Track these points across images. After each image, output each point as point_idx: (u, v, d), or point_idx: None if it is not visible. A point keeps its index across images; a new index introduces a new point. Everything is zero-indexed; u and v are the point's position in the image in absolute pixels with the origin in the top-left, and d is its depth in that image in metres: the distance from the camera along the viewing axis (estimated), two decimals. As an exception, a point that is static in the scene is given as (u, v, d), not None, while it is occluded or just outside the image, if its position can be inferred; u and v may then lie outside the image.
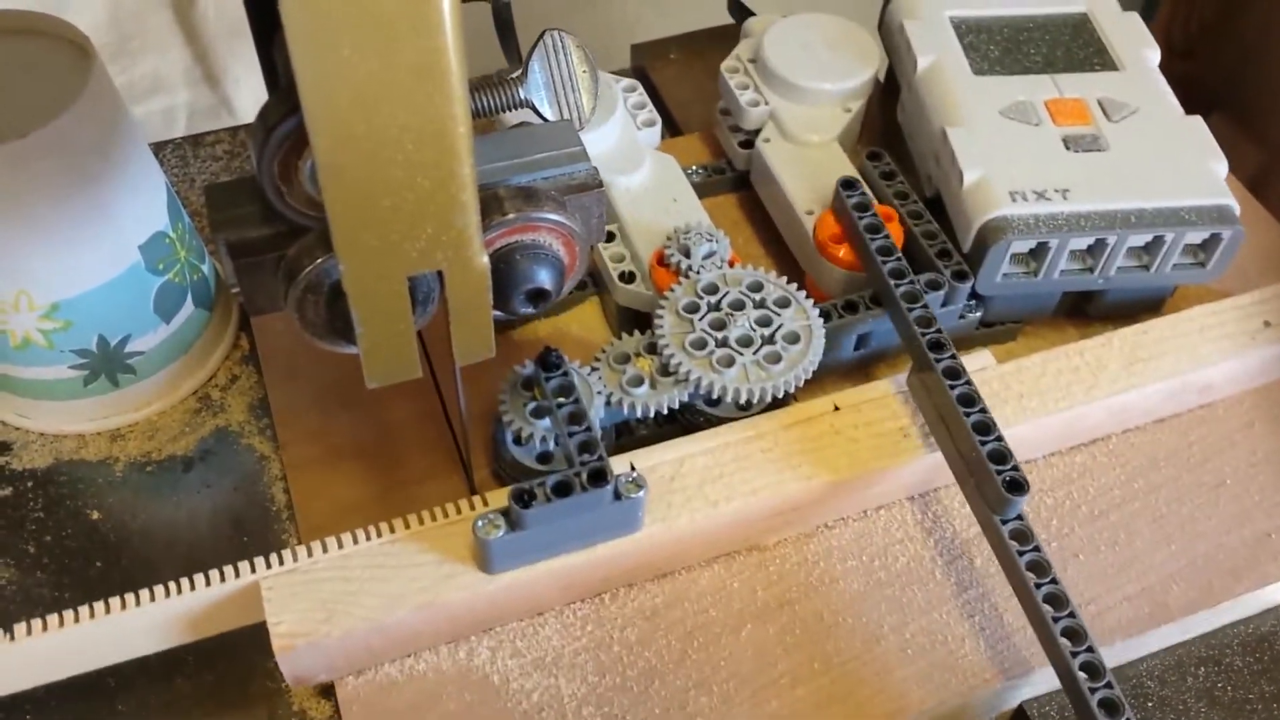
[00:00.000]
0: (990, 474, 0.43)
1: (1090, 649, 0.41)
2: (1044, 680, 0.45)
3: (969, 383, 0.46)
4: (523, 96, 0.43)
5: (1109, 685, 0.40)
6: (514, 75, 0.43)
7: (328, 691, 0.45)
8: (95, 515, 0.50)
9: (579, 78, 0.44)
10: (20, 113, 0.44)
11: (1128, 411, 0.51)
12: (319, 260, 0.38)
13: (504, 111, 0.43)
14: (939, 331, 0.47)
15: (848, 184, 0.53)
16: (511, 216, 0.40)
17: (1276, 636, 0.47)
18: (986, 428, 0.44)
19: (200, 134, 0.67)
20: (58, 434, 0.53)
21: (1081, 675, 0.41)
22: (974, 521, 0.48)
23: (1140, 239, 0.51)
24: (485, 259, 0.37)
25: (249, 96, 0.84)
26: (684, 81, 0.71)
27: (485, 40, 0.66)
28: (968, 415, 0.45)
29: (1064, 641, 0.41)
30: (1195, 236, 0.51)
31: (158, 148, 0.64)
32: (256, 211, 0.39)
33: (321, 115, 0.31)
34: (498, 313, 0.41)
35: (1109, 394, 0.49)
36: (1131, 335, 0.51)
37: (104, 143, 0.46)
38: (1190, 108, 0.54)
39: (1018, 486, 0.43)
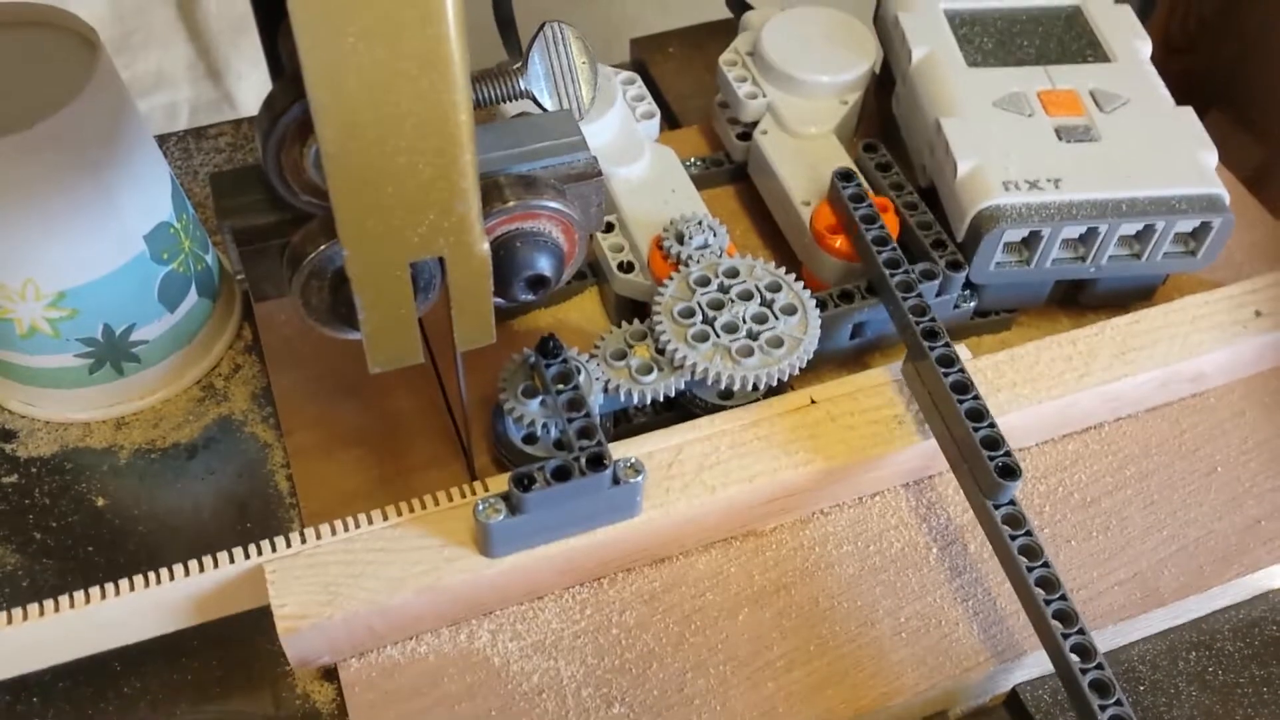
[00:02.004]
0: (983, 459, 0.44)
1: (1081, 631, 0.42)
2: (1037, 663, 0.46)
3: (962, 370, 0.46)
4: (523, 87, 0.43)
5: (1100, 667, 0.41)
6: (514, 66, 0.44)
7: (330, 675, 0.45)
8: (100, 502, 0.51)
9: (578, 69, 0.44)
10: (27, 104, 0.44)
11: (1120, 400, 0.52)
12: (323, 247, 0.39)
13: (504, 102, 0.43)
14: (933, 320, 0.48)
15: (844, 175, 0.53)
16: (512, 204, 0.40)
17: (1267, 622, 0.48)
18: (979, 414, 0.45)
19: (203, 126, 0.67)
20: (63, 422, 0.53)
21: (1073, 657, 0.41)
22: (968, 508, 0.49)
23: (1131, 227, 0.51)
24: (486, 246, 0.38)
25: (251, 91, 0.85)
26: (683, 75, 0.71)
27: (486, 34, 0.67)
28: (961, 402, 0.45)
29: (1055, 624, 0.42)
30: (1186, 225, 0.52)
31: (161, 140, 0.65)
32: (261, 199, 0.40)
33: (326, 102, 0.32)
34: (498, 300, 0.42)
35: (1101, 382, 0.50)
36: (1123, 324, 0.52)
37: (109, 134, 0.47)
38: (1189, 104, 0.55)
39: (1010, 471, 0.44)
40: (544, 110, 0.44)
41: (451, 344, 0.41)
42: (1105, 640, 0.47)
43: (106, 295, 0.49)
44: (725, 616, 0.46)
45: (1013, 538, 0.44)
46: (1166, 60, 0.58)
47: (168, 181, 0.51)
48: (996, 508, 0.44)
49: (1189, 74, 0.61)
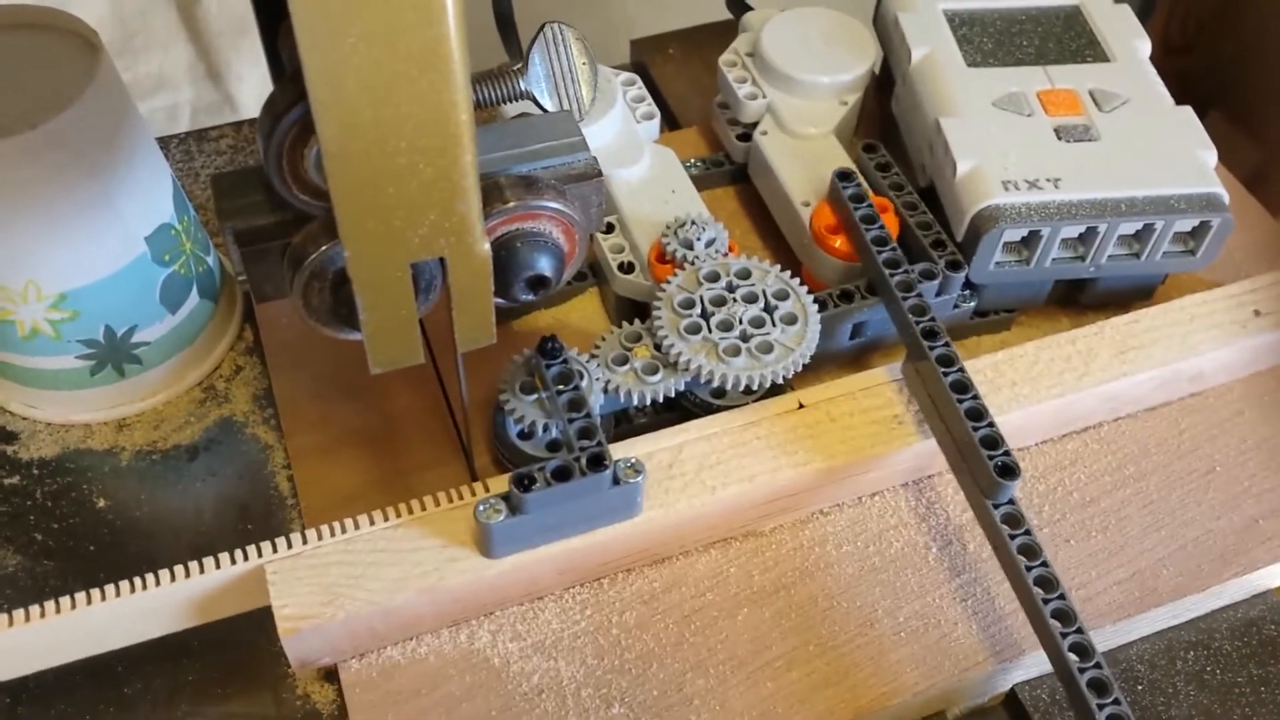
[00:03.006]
0: (982, 458, 0.44)
1: (1080, 630, 0.42)
2: (1035, 663, 0.46)
3: (962, 370, 0.46)
4: (523, 88, 0.43)
5: (1098, 666, 0.41)
6: (515, 67, 0.44)
7: (331, 676, 0.45)
8: (101, 503, 0.51)
9: (578, 69, 0.44)
10: (28, 105, 0.44)
11: (1119, 399, 0.52)
12: (324, 247, 0.39)
13: (505, 103, 0.43)
14: (933, 320, 0.48)
15: (844, 175, 0.53)
16: (512, 204, 0.41)
17: (1265, 621, 0.48)
18: (979, 414, 0.45)
19: (204, 129, 0.68)
20: (64, 423, 0.53)
21: (1071, 656, 0.41)
22: (967, 508, 0.49)
23: (1131, 227, 0.51)
24: (487, 246, 0.38)
25: (252, 93, 0.85)
26: (683, 76, 0.71)
27: (486, 34, 0.67)
28: (960, 401, 0.45)
29: (1054, 623, 0.42)
30: (1185, 224, 0.52)
31: (163, 142, 0.65)
32: (263, 200, 0.40)
33: (327, 103, 0.32)
34: (499, 300, 0.42)
35: (1100, 382, 0.50)
36: (1122, 324, 0.52)
37: (111, 135, 0.47)
38: (1188, 104, 0.55)
39: (1009, 471, 0.44)
40: (544, 111, 0.44)
41: (452, 344, 0.41)
42: (1104, 640, 0.47)
43: (108, 297, 0.49)
44: (725, 617, 0.46)
45: (1012, 537, 0.44)
46: (1165, 61, 0.58)
47: (169, 183, 0.51)
48: (996, 507, 0.44)
49: (1187, 75, 0.61)
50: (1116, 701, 0.40)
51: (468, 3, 0.32)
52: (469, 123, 0.34)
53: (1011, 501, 0.45)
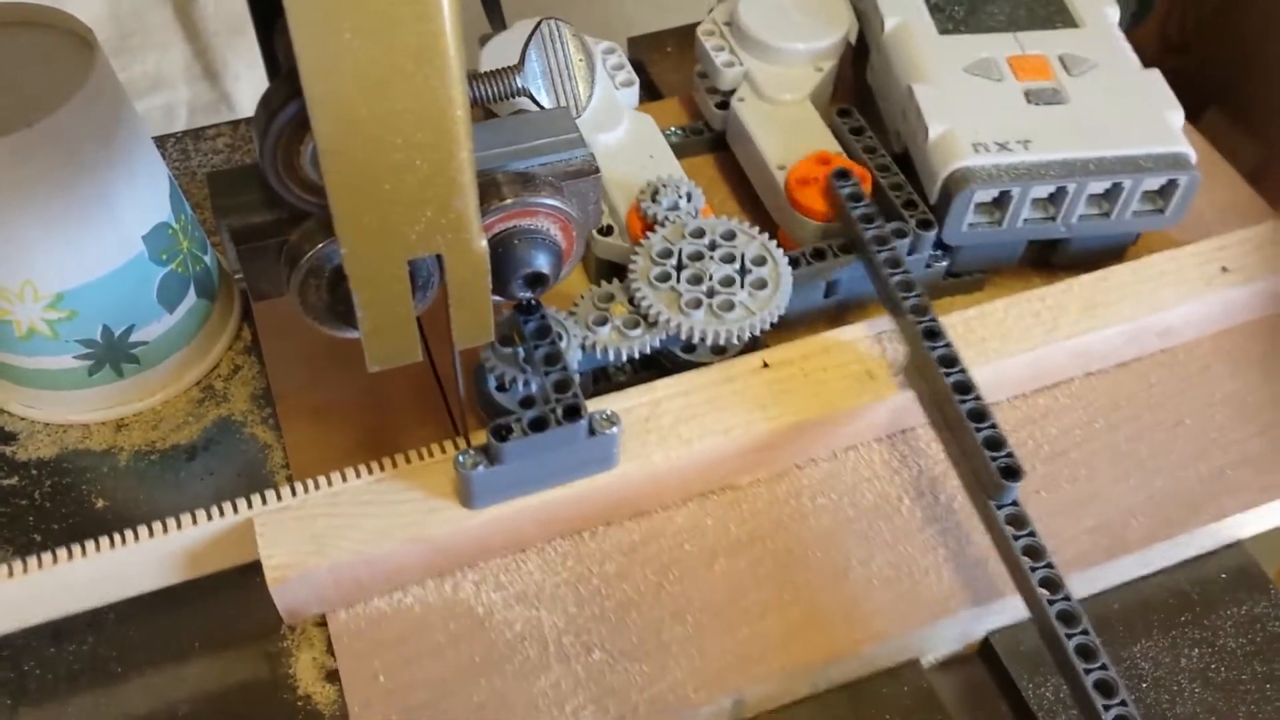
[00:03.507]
0: (985, 460, 0.44)
1: (1085, 632, 0.41)
2: (1009, 609, 0.47)
3: (934, 319, 0.48)
4: (520, 85, 0.43)
5: (1104, 668, 0.40)
6: (512, 65, 0.44)
7: (332, 676, 0.46)
8: (100, 504, 0.51)
9: (575, 66, 0.44)
10: (24, 104, 0.44)
11: (1089, 355, 0.53)
12: (320, 245, 0.39)
13: (502, 100, 0.43)
14: (907, 273, 0.49)
15: (843, 113, 0.55)
16: (509, 201, 0.41)
17: (1269, 618, 0.48)
18: (981, 415, 0.46)
19: (201, 128, 0.68)
20: (63, 424, 0.53)
21: (1077, 659, 0.41)
22: (940, 461, 0.50)
23: (1100, 186, 0.52)
24: (484, 243, 0.38)
25: (248, 92, 0.85)
26: (680, 74, 0.71)
27: (474, 26, 0.67)
28: (963, 403, 0.46)
29: (1059, 625, 0.42)
30: (1153, 183, 0.53)
31: (159, 141, 0.65)
32: (259, 198, 0.40)
33: (323, 99, 0.32)
34: (496, 297, 0.42)
35: (1069, 336, 0.51)
36: (1091, 281, 0.53)
37: (107, 133, 0.47)
38: (1187, 104, 0.55)
39: (1012, 472, 0.44)
40: (541, 108, 0.44)
41: (449, 341, 0.42)
42: (1077, 588, 0.47)
43: (105, 296, 0.49)
44: (702, 566, 0.47)
45: (1016, 538, 0.44)
46: (1164, 59, 0.58)
47: (166, 182, 0.52)
48: (999, 508, 0.45)
49: (1187, 73, 0.61)
50: (1123, 703, 0.40)
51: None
52: (465, 118, 0.34)
53: (1015, 503, 0.45)
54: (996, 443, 0.45)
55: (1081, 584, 0.48)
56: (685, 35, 0.74)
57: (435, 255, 0.37)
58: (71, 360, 0.51)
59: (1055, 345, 0.51)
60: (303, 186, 0.38)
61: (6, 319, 0.49)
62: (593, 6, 0.95)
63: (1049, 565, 0.43)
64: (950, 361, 0.47)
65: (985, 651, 0.48)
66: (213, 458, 0.53)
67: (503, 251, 0.42)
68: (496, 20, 0.69)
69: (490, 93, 0.43)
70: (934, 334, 0.48)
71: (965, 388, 0.47)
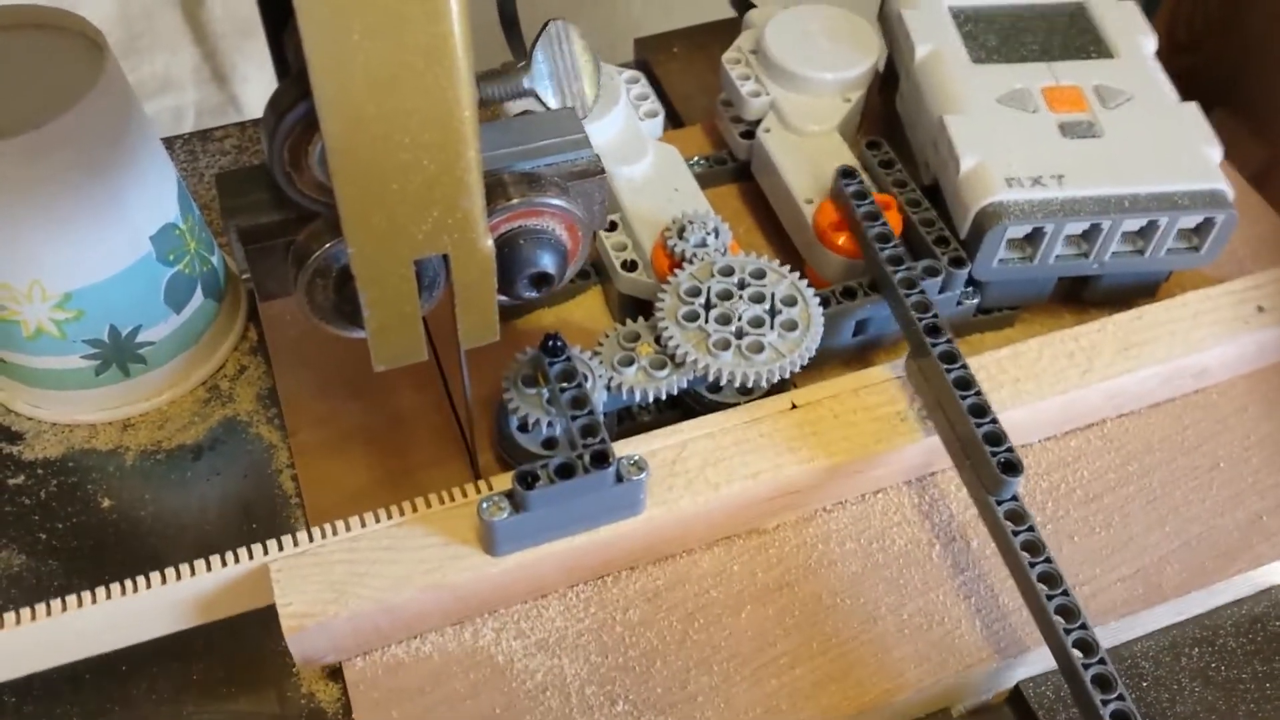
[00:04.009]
0: (986, 455, 0.44)
1: (1084, 626, 0.42)
2: (1039, 660, 0.46)
3: (965, 366, 0.46)
4: (527, 86, 0.43)
5: (1102, 662, 0.41)
6: (519, 65, 0.44)
7: (335, 674, 0.46)
8: (106, 503, 0.51)
9: (582, 67, 0.44)
10: (34, 105, 0.45)
11: (1122, 396, 0.52)
12: (327, 245, 0.39)
13: (509, 100, 0.43)
14: (935, 316, 0.48)
15: (846, 173, 0.53)
16: (515, 201, 0.41)
17: (1269, 618, 0.48)
18: (982, 410, 0.45)
19: (209, 129, 0.68)
20: (69, 424, 0.53)
21: (1076, 653, 0.41)
22: (970, 505, 0.49)
23: (1134, 223, 0.51)
24: (490, 242, 0.38)
25: (257, 95, 0.85)
26: (687, 75, 0.71)
27: (489, 34, 0.67)
28: (964, 398, 0.45)
29: (1058, 619, 0.42)
30: (1189, 221, 0.51)
31: (167, 143, 0.65)
32: (267, 198, 0.40)
33: (331, 98, 0.32)
34: (502, 297, 0.42)
35: (1103, 378, 0.50)
36: (1126, 321, 0.52)
37: (116, 135, 0.47)
38: (1194, 101, 0.55)
39: (1012, 467, 0.44)
40: (548, 109, 0.44)
41: (455, 342, 0.41)
42: (1108, 636, 0.47)
43: (113, 296, 0.49)
44: (728, 614, 0.46)
45: (1015, 533, 0.44)
46: (1171, 58, 0.58)
47: (174, 183, 0.52)
48: (999, 504, 0.44)
49: (1193, 72, 0.60)
50: (1121, 698, 0.40)
51: (473, 3, 0.32)
52: (473, 119, 0.34)
53: (1015, 498, 0.45)
54: (996, 438, 0.45)
55: (1118, 632, 0.47)
56: (692, 36, 0.74)
57: (442, 255, 0.37)
58: (78, 360, 0.51)
59: (1090, 388, 0.50)
60: (310, 186, 0.38)
61: (14, 319, 0.49)
62: (599, 7, 0.94)
63: (1047, 560, 0.43)
64: (951, 358, 0.47)
65: (1015, 699, 0.47)
66: (218, 458, 0.53)
67: (509, 251, 0.42)
68: (517, 43, 0.68)
69: (498, 94, 0.43)
70: (936, 330, 0.48)
71: (966, 383, 0.46)
